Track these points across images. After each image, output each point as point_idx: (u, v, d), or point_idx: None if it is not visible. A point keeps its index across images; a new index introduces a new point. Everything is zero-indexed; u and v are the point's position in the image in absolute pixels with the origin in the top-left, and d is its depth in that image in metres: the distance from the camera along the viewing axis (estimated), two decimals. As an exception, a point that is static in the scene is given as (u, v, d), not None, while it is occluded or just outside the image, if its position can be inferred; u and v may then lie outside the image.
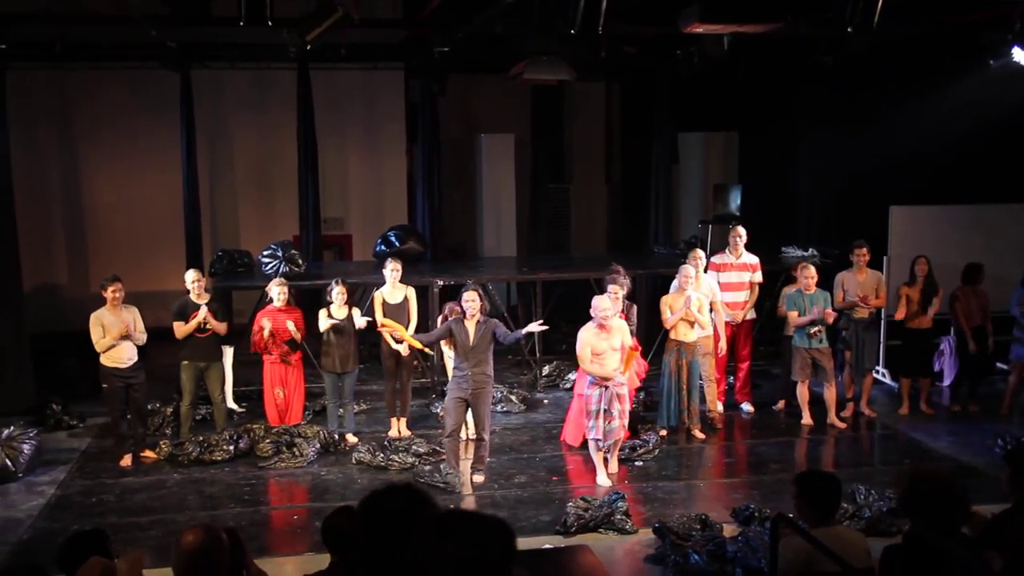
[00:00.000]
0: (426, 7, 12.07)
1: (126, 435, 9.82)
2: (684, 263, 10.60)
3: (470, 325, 8.96)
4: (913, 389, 11.34)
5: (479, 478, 9.26)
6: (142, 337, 9.64)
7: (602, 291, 10.03)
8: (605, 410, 9.08)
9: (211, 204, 15.67)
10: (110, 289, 9.47)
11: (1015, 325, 10.98)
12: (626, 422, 9.37)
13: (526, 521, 8.29)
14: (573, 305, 13.47)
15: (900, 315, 11.05)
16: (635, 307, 10.23)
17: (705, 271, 10.87)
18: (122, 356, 9.54)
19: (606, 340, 9.06)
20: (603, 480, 9.14)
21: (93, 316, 9.51)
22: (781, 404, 11.42)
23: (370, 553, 3.13)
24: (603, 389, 9.08)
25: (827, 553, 4.35)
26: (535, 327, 9.20)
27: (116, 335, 9.40)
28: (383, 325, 9.81)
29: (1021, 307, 10.86)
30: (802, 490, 4.98)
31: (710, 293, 10.62)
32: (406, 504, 3.15)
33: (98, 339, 9.43)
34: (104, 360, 9.54)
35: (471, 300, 8.97)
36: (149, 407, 10.50)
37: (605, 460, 9.34)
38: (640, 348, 9.42)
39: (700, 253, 10.81)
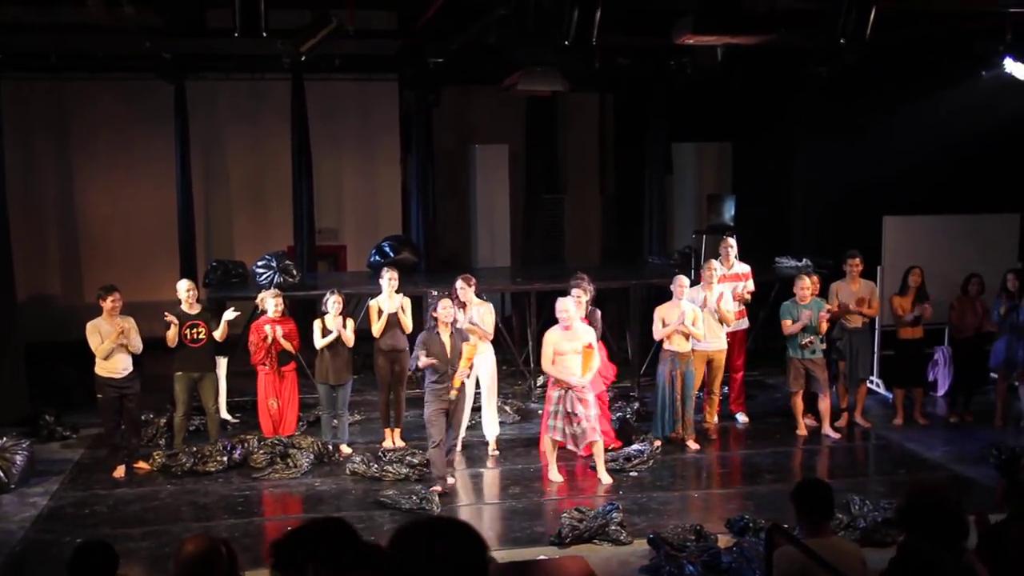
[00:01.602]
0: (420, 18, 12.09)
1: (119, 446, 9.80)
2: (678, 273, 10.69)
3: (444, 336, 9.04)
4: (907, 399, 11.36)
5: (436, 488, 9.19)
6: (138, 345, 9.62)
7: (596, 303, 10.38)
8: (566, 413, 9.18)
9: (205, 214, 15.67)
10: (108, 299, 9.47)
11: (998, 332, 11.07)
12: (595, 426, 9.32)
13: (520, 532, 8.29)
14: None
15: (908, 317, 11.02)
16: (599, 312, 10.28)
17: (696, 282, 10.88)
18: (116, 366, 9.52)
19: (570, 342, 9.19)
20: (555, 476, 9.45)
21: (90, 325, 9.51)
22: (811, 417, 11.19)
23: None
24: (563, 391, 9.20)
25: (822, 564, 4.35)
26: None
27: (113, 339, 9.38)
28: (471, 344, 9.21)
29: (1000, 315, 10.94)
30: (796, 500, 4.99)
31: (727, 304, 10.64)
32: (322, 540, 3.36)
33: (96, 344, 9.42)
34: (98, 370, 9.53)
35: (447, 307, 9.10)
36: (143, 418, 10.48)
37: (593, 468, 9.54)
38: (594, 347, 9.40)
39: (715, 264, 10.81)
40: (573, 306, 9.35)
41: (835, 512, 5.66)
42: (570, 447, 9.40)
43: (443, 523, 2.71)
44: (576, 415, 9.17)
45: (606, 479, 9.39)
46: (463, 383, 9.10)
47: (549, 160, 17.85)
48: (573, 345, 9.19)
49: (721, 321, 10.60)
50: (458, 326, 9.40)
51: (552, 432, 9.35)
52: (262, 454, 9.82)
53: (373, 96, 16.19)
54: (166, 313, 9.91)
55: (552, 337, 9.27)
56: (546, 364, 9.30)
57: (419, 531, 2.64)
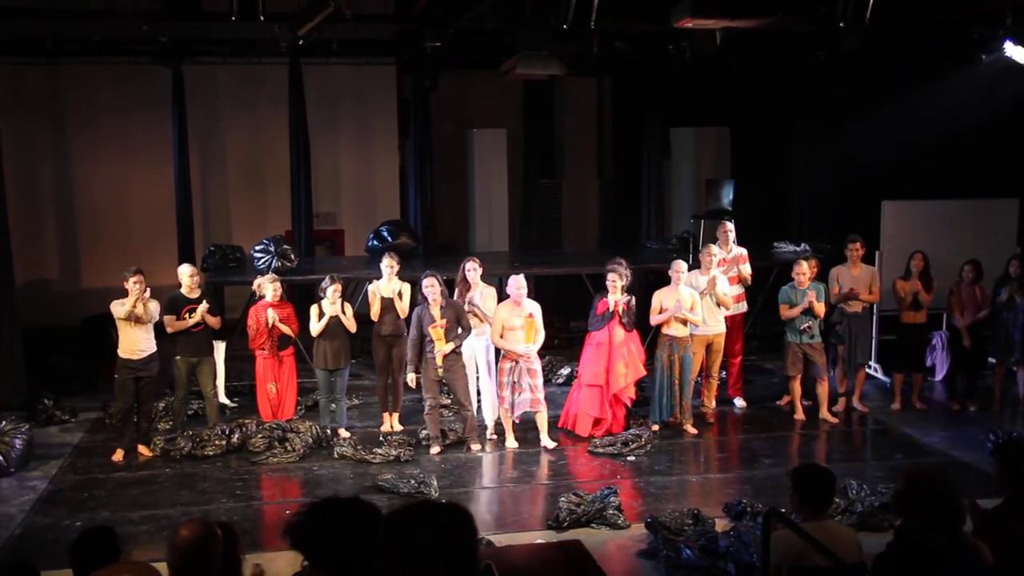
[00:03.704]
0: (418, 2, 12.07)
1: (125, 430, 9.78)
2: (676, 258, 10.70)
3: (435, 311, 9.56)
4: (906, 384, 11.37)
5: (476, 446, 9.88)
6: (154, 314, 9.60)
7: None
8: (513, 383, 9.71)
9: (203, 199, 15.66)
10: (132, 280, 9.44)
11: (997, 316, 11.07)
12: (540, 395, 9.85)
13: (518, 516, 8.32)
14: (565, 300, 13.50)
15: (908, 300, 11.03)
16: (633, 299, 10.27)
17: (694, 267, 10.88)
18: (134, 348, 9.53)
19: (518, 316, 9.68)
20: (512, 443, 9.95)
21: (115, 302, 9.53)
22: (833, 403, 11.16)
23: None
24: (514, 363, 9.71)
25: (818, 548, 4.36)
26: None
27: (133, 304, 9.37)
28: (436, 326, 9.71)
29: (1002, 300, 10.94)
30: (796, 483, 5.01)
31: (724, 287, 10.64)
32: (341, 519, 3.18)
33: (119, 310, 9.44)
34: (119, 351, 9.58)
35: (431, 286, 9.60)
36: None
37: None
38: (535, 317, 9.81)
39: (714, 248, 10.80)
40: (525, 283, 9.88)
41: (834, 499, 5.68)
42: (510, 415, 9.91)
43: (432, 507, 2.70)
44: (521, 385, 9.73)
45: (548, 443, 9.96)
46: (444, 358, 9.58)
47: (547, 145, 17.85)
48: (521, 318, 9.70)
49: (719, 305, 10.61)
50: (472, 301, 10.01)
51: (505, 402, 9.86)
52: (260, 438, 9.84)
53: (370, 80, 16.16)
54: (198, 308, 9.91)
55: (502, 313, 9.77)
56: (495, 337, 9.80)
57: (408, 515, 2.63)
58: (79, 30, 13.29)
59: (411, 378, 9.78)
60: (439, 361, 9.56)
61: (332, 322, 10.11)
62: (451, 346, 9.59)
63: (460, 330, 9.66)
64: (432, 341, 9.57)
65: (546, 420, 10.05)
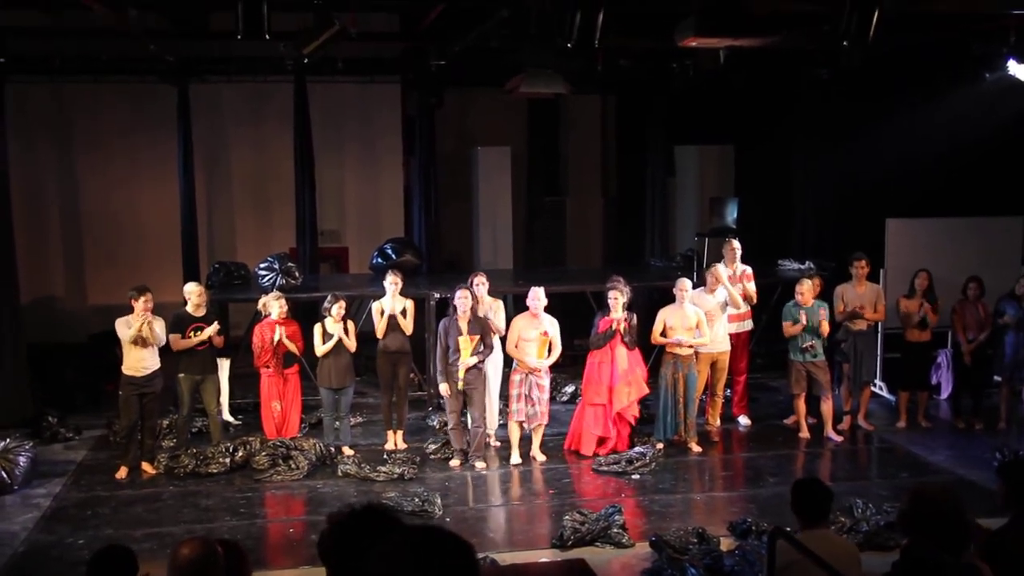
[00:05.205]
0: (423, 21, 12.10)
1: (131, 447, 9.78)
2: (680, 276, 10.70)
3: (463, 324, 9.63)
4: (911, 402, 11.34)
5: (481, 464, 9.89)
6: (161, 337, 9.63)
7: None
8: (526, 395, 9.85)
9: (208, 216, 15.67)
10: (140, 299, 9.46)
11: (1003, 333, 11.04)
12: (544, 409, 10.02)
13: (522, 534, 8.31)
14: (570, 318, 13.46)
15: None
16: (635, 315, 10.27)
17: (699, 285, 10.88)
18: (137, 365, 9.55)
19: (535, 329, 9.83)
20: (516, 459, 10.02)
21: (120, 320, 9.55)
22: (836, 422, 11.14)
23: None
24: (524, 375, 9.88)
25: (820, 564, 4.37)
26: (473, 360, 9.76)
27: (139, 327, 9.38)
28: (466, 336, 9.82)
29: (1003, 321, 10.92)
30: (793, 497, 5.20)
31: (723, 304, 10.67)
32: (368, 526, 3.21)
33: (124, 333, 9.46)
34: (123, 368, 9.60)
35: (464, 298, 9.68)
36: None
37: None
38: (550, 335, 9.90)
39: (721, 268, 10.80)
40: (544, 295, 9.97)
41: (830, 514, 5.71)
42: (525, 426, 10.03)
43: (428, 536, 2.65)
44: (531, 398, 9.88)
45: (539, 456, 10.11)
46: (467, 371, 9.66)
47: (551, 163, 17.86)
48: (537, 332, 9.82)
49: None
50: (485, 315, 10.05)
51: (517, 415, 9.93)
52: (264, 456, 9.82)
53: (375, 98, 16.19)
54: (208, 328, 9.93)
55: (519, 324, 9.96)
56: (510, 347, 9.94)
57: (403, 545, 2.60)
58: (86, 49, 13.33)
59: (443, 388, 9.83)
60: (461, 374, 9.64)
61: (338, 344, 10.12)
62: (474, 359, 9.69)
63: (483, 347, 9.74)
64: (458, 353, 9.64)
65: (542, 434, 10.16)
